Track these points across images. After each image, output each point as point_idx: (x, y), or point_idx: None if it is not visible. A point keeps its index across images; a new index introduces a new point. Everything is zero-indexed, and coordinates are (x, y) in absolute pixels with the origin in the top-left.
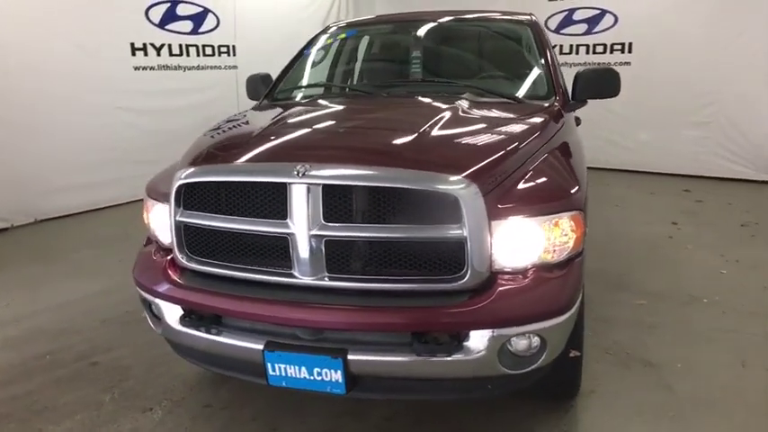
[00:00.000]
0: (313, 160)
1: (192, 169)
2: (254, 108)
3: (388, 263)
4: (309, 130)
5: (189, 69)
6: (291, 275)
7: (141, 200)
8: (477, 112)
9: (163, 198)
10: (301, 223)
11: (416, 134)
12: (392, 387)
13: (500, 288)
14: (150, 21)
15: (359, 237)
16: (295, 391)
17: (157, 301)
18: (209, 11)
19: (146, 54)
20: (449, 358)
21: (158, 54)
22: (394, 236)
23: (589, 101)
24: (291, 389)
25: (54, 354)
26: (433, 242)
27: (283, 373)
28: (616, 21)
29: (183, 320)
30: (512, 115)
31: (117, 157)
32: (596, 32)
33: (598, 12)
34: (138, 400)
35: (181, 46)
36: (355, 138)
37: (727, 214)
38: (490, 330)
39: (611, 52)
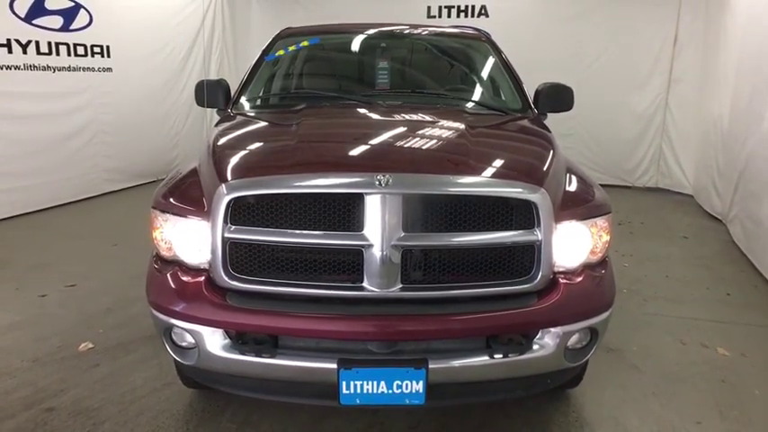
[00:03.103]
0: (392, 170)
1: (244, 181)
2: (242, 115)
3: (461, 270)
4: (360, 137)
5: (59, 70)
6: (361, 288)
7: (8, 219)
8: (491, 124)
9: (191, 213)
10: (378, 234)
11: (468, 144)
12: (465, 391)
13: (564, 288)
14: (15, 13)
15: (439, 245)
16: (315, 410)
17: (193, 326)
18: (81, 6)
19: (10, 51)
20: (522, 357)
21: (24, 52)
22: (472, 242)
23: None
24: (365, 406)
25: None
26: (506, 247)
27: (358, 391)
28: None
29: (234, 345)
30: (525, 127)
31: None
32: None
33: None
34: None
35: (50, 44)
36: (418, 147)
37: None
38: (559, 328)
39: None
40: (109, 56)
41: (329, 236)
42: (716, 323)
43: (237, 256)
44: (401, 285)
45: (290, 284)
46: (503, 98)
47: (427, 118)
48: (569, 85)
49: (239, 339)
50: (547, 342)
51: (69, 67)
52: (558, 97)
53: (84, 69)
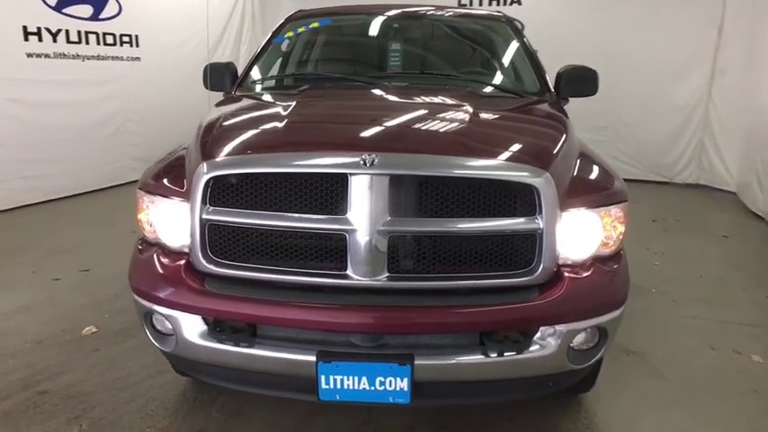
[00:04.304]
0: (379, 149)
1: (225, 159)
2: (244, 96)
3: (454, 259)
4: (351, 116)
5: (88, 59)
6: (345, 276)
7: (35, 204)
8: (500, 105)
9: (172, 193)
10: (364, 218)
11: (469, 124)
12: (456, 392)
13: (569, 282)
14: (46, 2)
15: (429, 232)
16: (305, 405)
17: (171, 312)
18: None
19: (40, 39)
20: (519, 356)
21: (54, 40)
22: (466, 229)
23: None
24: (346, 403)
25: None
26: (504, 235)
27: (338, 386)
28: None
29: (211, 333)
30: (539, 109)
31: (5, 156)
32: None
33: None
34: (115, 431)
35: (79, 32)
36: (412, 126)
37: (635, 211)
38: (562, 325)
39: None
40: (138, 45)
41: (311, 219)
42: (751, 328)
43: (217, 239)
44: (388, 274)
45: (271, 271)
46: (519, 81)
47: (431, 99)
48: (595, 69)
49: (216, 327)
50: (547, 341)
51: (98, 56)
52: (580, 81)
53: (112, 58)
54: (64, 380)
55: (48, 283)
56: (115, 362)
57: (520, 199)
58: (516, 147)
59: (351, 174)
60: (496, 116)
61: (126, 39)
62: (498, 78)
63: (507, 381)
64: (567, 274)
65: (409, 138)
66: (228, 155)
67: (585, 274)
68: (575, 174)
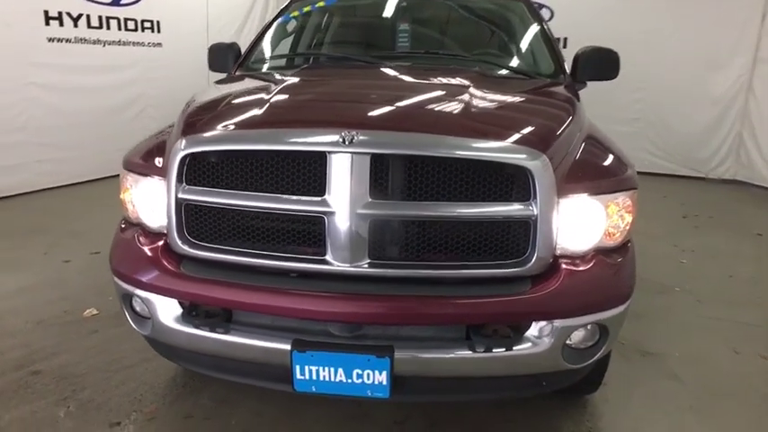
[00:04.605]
0: (360, 126)
1: (201, 135)
2: (239, 76)
3: (440, 247)
4: (338, 94)
5: (109, 44)
6: (324, 262)
7: (53, 188)
8: (505, 86)
9: (153, 171)
10: (343, 200)
11: (465, 103)
12: (439, 388)
13: (566, 273)
14: None
15: (413, 216)
16: (294, 395)
17: (147, 294)
18: None
19: (61, 24)
20: (509, 353)
21: (75, 25)
22: (454, 214)
23: None
24: (322, 395)
25: None
26: (494, 222)
27: (314, 377)
28: None
29: (185, 318)
30: (544, 90)
31: (25, 140)
32: None
33: None
34: (102, 414)
35: (100, 18)
36: (400, 104)
37: (666, 207)
38: (557, 321)
39: None
40: (159, 31)
41: (288, 201)
42: None
43: (193, 219)
44: (369, 261)
45: (248, 254)
46: (532, 62)
47: (431, 78)
48: (616, 51)
49: (192, 311)
50: (540, 337)
51: (119, 41)
52: (600, 63)
53: (133, 44)
54: (58, 361)
55: (57, 265)
56: (112, 344)
57: (512, 183)
58: (512, 128)
59: (330, 152)
60: (498, 96)
61: (147, 24)
62: (509, 59)
63: (496, 378)
64: (564, 266)
65: (395, 115)
66: (205, 132)
67: (585, 267)
68: (576, 157)
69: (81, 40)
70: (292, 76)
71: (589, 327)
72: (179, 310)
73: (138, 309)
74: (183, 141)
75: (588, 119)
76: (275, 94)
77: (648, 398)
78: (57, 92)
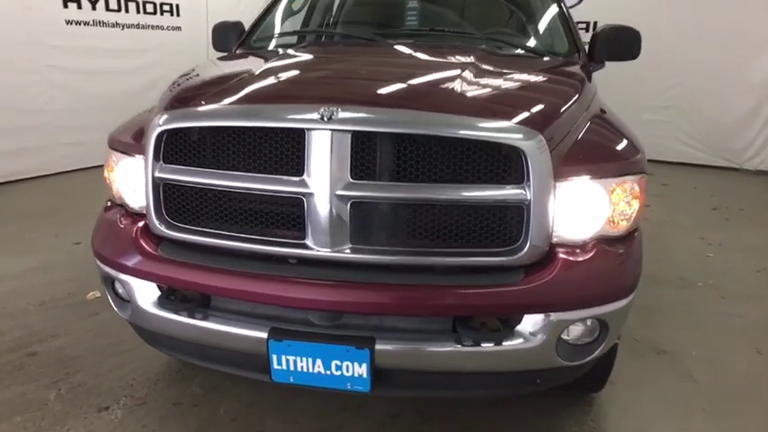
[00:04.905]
0: (341, 102)
1: (178, 111)
2: (235, 54)
3: (426, 232)
4: (325, 70)
5: (127, 28)
6: (304, 246)
7: (71, 171)
8: (510, 63)
9: (134, 150)
10: (322, 181)
11: (459, 79)
12: (424, 383)
13: (562, 263)
14: None
15: (396, 198)
16: (286, 384)
17: (126, 278)
18: None
19: (79, 6)
20: (498, 348)
21: (93, 8)
22: (439, 198)
23: None
24: (300, 386)
25: None
26: (484, 207)
27: (291, 368)
28: None
29: (161, 302)
30: (551, 69)
31: (44, 122)
32: None
33: None
34: (91, 398)
35: (119, 0)
36: (388, 80)
37: (695, 198)
38: (550, 314)
39: None
40: (178, 15)
41: (266, 180)
42: None
43: (170, 200)
44: (351, 246)
45: (226, 237)
46: (545, 41)
47: (431, 56)
48: (637, 29)
49: (168, 296)
50: (533, 332)
51: (138, 24)
52: (620, 42)
53: (152, 27)
54: (56, 343)
55: (67, 247)
56: (111, 328)
57: (505, 165)
58: (508, 106)
59: (308, 129)
60: (499, 74)
61: (166, 8)
62: (519, 37)
63: (486, 374)
64: (560, 256)
65: (379, 91)
66: (182, 108)
67: (584, 257)
68: (579, 138)
69: (99, 23)
70: (287, 53)
71: (588, 322)
72: (157, 295)
73: (119, 292)
74: (160, 118)
75: (600, 100)
76: (261, 71)
77: (659, 399)
78: (76, 75)
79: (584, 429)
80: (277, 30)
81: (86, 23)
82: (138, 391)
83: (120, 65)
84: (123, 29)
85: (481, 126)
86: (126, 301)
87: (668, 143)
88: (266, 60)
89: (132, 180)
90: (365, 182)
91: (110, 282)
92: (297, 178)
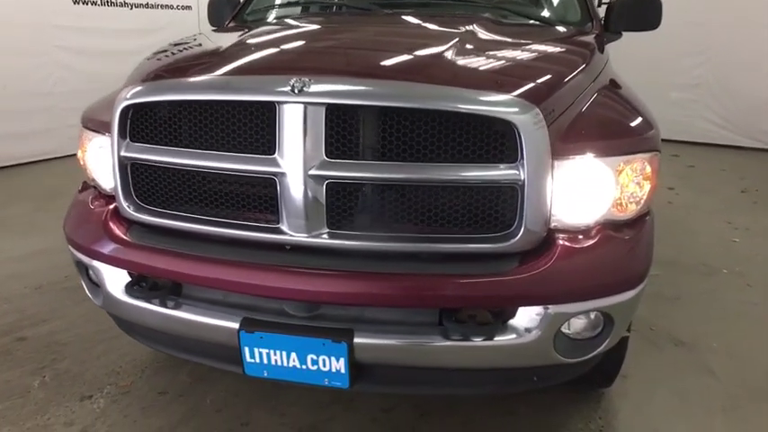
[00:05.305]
0: (314, 72)
1: (143, 86)
2: (222, 28)
3: (409, 216)
4: (304, 41)
5: (137, 7)
6: (278, 231)
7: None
8: (512, 32)
9: (105, 128)
10: (294, 159)
11: (450, 48)
12: (408, 379)
13: (561, 251)
14: None
15: (374, 179)
16: None
17: (95, 263)
18: None
19: None
20: (489, 343)
21: None
22: (423, 178)
23: None
24: (276, 381)
25: None
26: (474, 188)
27: (265, 361)
28: None
29: (129, 290)
30: (556, 38)
31: (52, 105)
32: None
33: None
34: (76, 386)
35: None
36: (370, 50)
37: (723, 180)
38: (547, 307)
39: None
40: None
41: (236, 159)
42: None
43: (138, 181)
44: (328, 231)
45: (197, 221)
46: (556, 10)
47: (425, 24)
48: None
49: (137, 282)
50: (528, 326)
51: (147, 4)
52: (638, 11)
53: (162, 7)
54: (46, 328)
55: None
56: (103, 313)
57: (497, 141)
58: (503, 76)
59: (279, 102)
60: (500, 44)
61: None
62: (527, 6)
63: (476, 371)
64: (559, 242)
65: (357, 61)
66: (149, 82)
67: (586, 244)
68: (582, 111)
69: (107, 2)
70: (273, 25)
71: (592, 315)
72: (126, 281)
73: (93, 277)
74: (124, 93)
75: (614, 72)
76: (238, 43)
77: (675, 395)
78: (84, 56)
79: (591, 427)
80: (271, 3)
81: (94, 3)
82: (123, 379)
83: (129, 45)
84: (132, 8)
85: (470, 98)
86: (98, 287)
87: (696, 123)
88: (248, 32)
89: (104, 160)
90: (342, 161)
91: (83, 267)
92: (268, 157)
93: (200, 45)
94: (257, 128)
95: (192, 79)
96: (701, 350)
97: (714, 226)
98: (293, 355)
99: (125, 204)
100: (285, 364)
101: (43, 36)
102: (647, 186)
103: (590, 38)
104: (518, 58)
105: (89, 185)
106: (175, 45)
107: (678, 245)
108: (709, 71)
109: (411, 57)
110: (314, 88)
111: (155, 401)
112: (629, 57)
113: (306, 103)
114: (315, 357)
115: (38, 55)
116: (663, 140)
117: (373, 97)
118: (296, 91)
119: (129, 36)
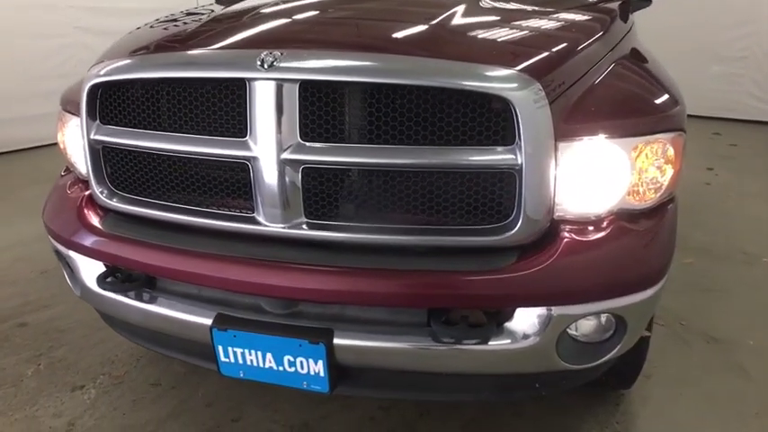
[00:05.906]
0: (286, 45)
1: (109, 64)
2: (214, 3)
3: (395, 205)
4: (282, 15)
5: None
6: (253, 221)
7: None
8: (521, 6)
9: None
10: (267, 142)
11: (443, 18)
12: (395, 384)
13: (566, 245)
14: None
15: (354, 163)
16: None
17: (70, 253)
18: None
19: None
20: (482, 347)
21: None
22: (408, 163)
23: None
24: (253, 381)
25: None
26: (466, 173)
27: (240, 361)
28: None
29: (101, 282)
30: (571, 5)
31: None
32: None
33: None
34: (68, 375)
35: None
36: (352, 22)
37: (765, 161)
38: (549, 308)
39: None
40: None
41: (205, 142)
42: None
43: (112, 165)
44: (306, 221)
45: (170, 209)
46: None
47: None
48: None
49: (111, 274)
50: (526, 328)
51: None
52: None
53: None
54: (47, 314)
55: None
56: None
57: (491, 120)
58: (501, 45)
59: (249, 79)
60: (502, 11)
61: None
62: None
63: (471, 376)
64: (564, 234)
65: (335, 33)
66: (116, 61)
67: (596, 236)
68: (594, 84)
69: None
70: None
71: (602, 317)
72: (99, 272)
73: (72, 267)
74: (92, 71)
75: (637, 41)
76: (217, 18)
77: (703, 398)
78: (104, 36)
79: None
80: None
81: None
82: (118, 369)
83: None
84: None
85: (460, 72)
86: (76, 277)
87: (740, 99)
88: (229, 7)
89: (76, 143)
90: (318, 144)
91: (60, 255)
92: (240, 140)
93: (182, 21)
94: (228, 108)
95: (157, 56)
96: (736, 348)
97: (756, 211)
98: (269, 355)
99: (98, 191)
100: (261, 364)
101: (62, 17)
102: (669, 171)
103: (613, 4)
104: (523, 26)
105: (70, 170)
106: (159, 21)
107: (714, 230)
108: (755, 44)
109: (398, 27)
110: (286, 63)
111: (146, 393)
112: (664, 27)
113: (277, 80)
114: (291, 359)
115: (57, 36)
116: (702, 117)
117: (348, 72)
118: (266, 66)
119: (149, 16)
